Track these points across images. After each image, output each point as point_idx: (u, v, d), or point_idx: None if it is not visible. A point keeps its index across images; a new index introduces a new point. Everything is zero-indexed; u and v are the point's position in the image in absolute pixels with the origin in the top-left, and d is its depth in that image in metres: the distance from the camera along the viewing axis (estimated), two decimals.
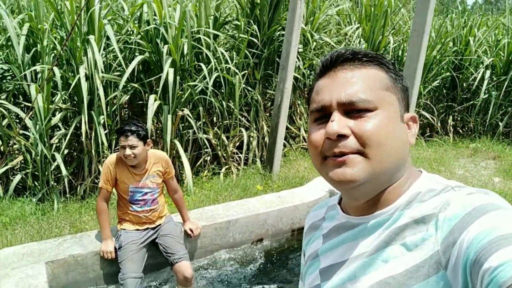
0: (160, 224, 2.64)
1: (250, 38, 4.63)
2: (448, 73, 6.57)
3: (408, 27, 6.33)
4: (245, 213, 2.93)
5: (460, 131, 6.76)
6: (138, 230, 2.55)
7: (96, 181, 3.84)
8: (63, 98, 3.76)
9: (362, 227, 0.66)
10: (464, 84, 6.63)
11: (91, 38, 3.60)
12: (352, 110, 0.62)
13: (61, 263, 2.34)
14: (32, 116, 3.52)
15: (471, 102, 6.53)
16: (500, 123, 6.35)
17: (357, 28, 5.94)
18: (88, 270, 2.48)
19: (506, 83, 6.22)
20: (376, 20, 5.49)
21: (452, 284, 0.54)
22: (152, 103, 3.80)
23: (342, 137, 0.61)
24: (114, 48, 4.09)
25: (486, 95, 6.38)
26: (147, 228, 2.58)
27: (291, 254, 3.11)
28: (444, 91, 6.79)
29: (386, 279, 0.60)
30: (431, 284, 0.55)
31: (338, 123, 0.61)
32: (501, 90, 6.24)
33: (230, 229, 2.86)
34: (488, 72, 6.33)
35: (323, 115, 0.66)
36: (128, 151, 2.37)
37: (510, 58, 6.39)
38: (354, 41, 5.88)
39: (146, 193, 2.54)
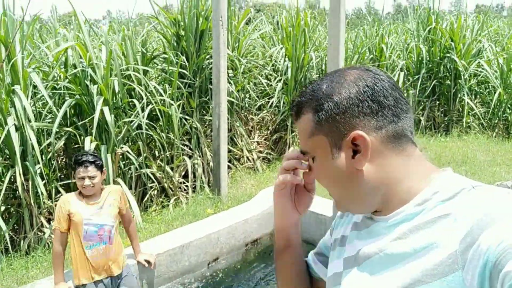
0: (118, 275, 2.54)
1: (180, 69, 4.77)
2: None
3: (327, 42, 6.82)
4: (196, 235, 2.98)
5: None
6: (96, 282, 2.45)
7: (39, 234, 3.70)
8: None
9: (381, 224, 0.68)
10: None
11: (17, 88, 3.54)
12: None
13: None
14: None
15: None
16: (421, 118, 6.96)
17: (281, 49, 6.31)
18: None
19: (420, 82, 6.88)
20: (297, 40, 5.88)
21: (467, 285, 0.54)
22: (89, 145, 3.77)
23: None
24: (42, 96, 4.05)
25: (405, 94, 6.99)
26: (106, 277, 2.48)
27: (248, 268, 3.18)
28: None
29: (403, 276, 0.60)
30: (447, 283, 0.55)
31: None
32: (417, 88, 6.89)
33: (185, 253, 2.89)
34: (402, 74, 6.96)
35: None
36: (87, 182, 2.37)
37: (420, 58, 7.09)
38: (280, 61, 6.23)
39: (101, 227, 2.48)
